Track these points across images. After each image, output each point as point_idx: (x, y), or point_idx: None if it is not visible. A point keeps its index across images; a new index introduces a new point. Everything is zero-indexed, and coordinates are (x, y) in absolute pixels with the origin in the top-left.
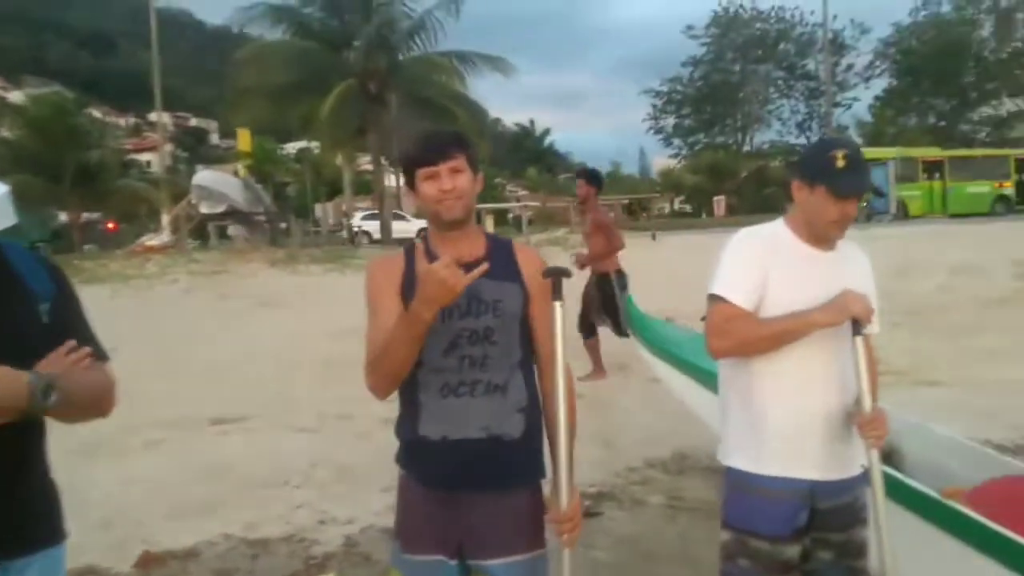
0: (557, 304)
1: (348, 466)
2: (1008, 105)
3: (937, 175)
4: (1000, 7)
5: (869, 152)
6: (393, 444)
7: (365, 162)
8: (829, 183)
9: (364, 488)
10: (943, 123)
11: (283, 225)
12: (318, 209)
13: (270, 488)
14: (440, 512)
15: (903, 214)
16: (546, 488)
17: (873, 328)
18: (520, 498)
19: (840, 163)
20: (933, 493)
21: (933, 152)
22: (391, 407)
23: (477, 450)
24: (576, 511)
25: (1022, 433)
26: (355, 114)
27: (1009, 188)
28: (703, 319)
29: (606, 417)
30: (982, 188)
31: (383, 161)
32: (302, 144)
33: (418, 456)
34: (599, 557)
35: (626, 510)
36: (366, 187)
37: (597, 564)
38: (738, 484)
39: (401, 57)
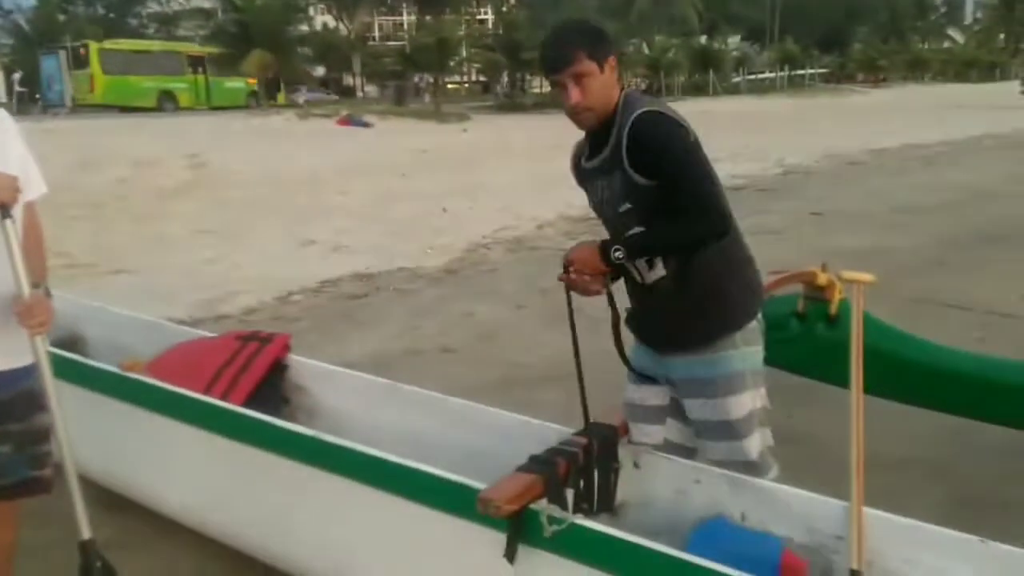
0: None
1: None
2: (175, 5)
3: (201, 70)
4: None
5: (120, 44)
6: None
7: None
8: None
9: None
10: (113, 15)
11: None
12: None
13: None
14: None
15: (175, 106)
16: None
17: (37, 191)
18: None
19: None
20: (112, 368)
21: (197, 48)
22: None
23: None
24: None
25: (199, 307)
26: None
27: (256, 84)
28: None
29: None
30: (238, 84)
31: None
32: None
33: None
34: None
35: None
36: None
37: None
38: None
39: None
